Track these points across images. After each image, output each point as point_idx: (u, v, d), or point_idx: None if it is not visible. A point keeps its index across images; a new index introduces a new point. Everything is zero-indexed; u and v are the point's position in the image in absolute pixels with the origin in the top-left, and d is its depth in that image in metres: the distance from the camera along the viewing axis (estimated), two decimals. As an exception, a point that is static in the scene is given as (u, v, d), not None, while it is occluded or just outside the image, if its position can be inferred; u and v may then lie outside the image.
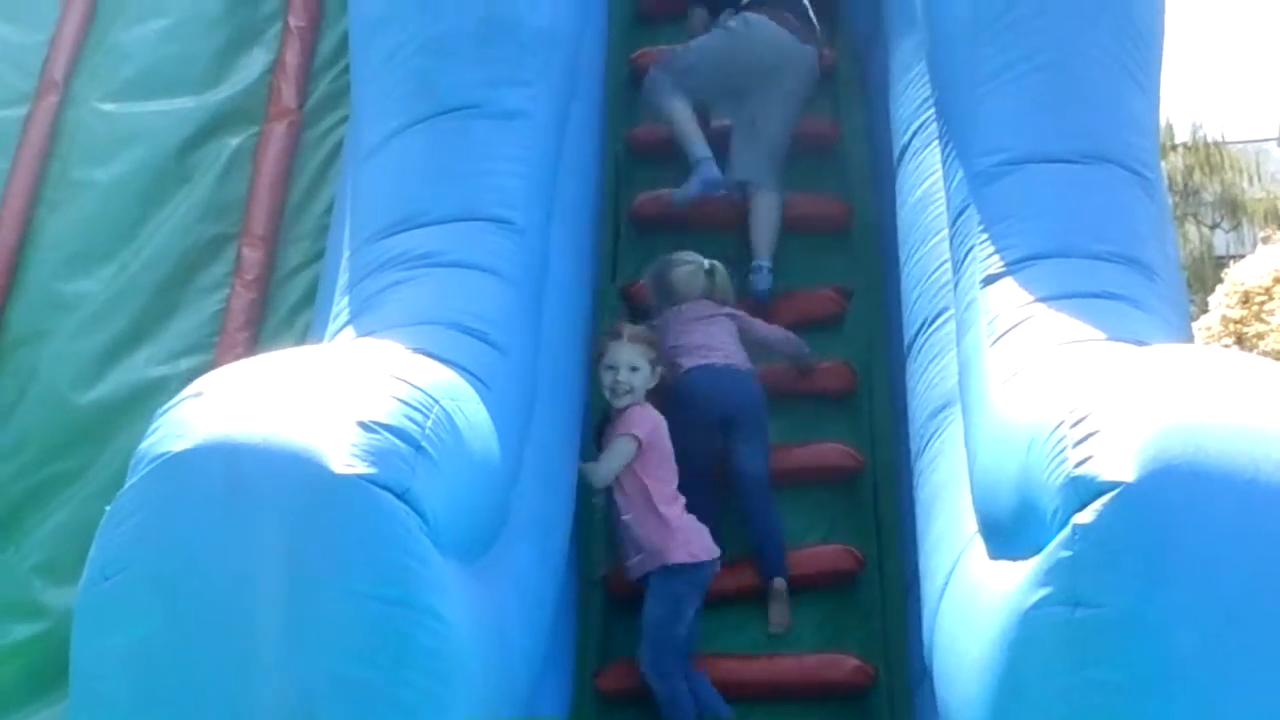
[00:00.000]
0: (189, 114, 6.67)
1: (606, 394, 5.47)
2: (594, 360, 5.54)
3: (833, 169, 6.70)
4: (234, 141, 6.57)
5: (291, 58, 6.78)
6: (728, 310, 5.91)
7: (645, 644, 5.20)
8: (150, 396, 5.55)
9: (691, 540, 5.27)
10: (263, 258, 6.21)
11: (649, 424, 5.36)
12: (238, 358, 5.27)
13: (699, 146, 6.47)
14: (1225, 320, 13.77)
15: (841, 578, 5.53)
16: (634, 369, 5.43)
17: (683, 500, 5.33)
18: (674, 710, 5.13)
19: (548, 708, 4.80)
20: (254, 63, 6.83)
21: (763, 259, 6.34)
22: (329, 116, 6.64)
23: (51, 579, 5.45)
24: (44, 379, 6.01)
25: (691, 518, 5.32)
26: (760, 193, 6.46)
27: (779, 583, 5.49)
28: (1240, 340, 13.48)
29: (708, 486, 5.58)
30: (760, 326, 5.94)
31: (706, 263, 6.01)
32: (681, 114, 6.55)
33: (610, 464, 5.33)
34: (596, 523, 5.65)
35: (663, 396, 5.55)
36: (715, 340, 5.77)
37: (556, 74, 5.33)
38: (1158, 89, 5.24)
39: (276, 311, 6.12)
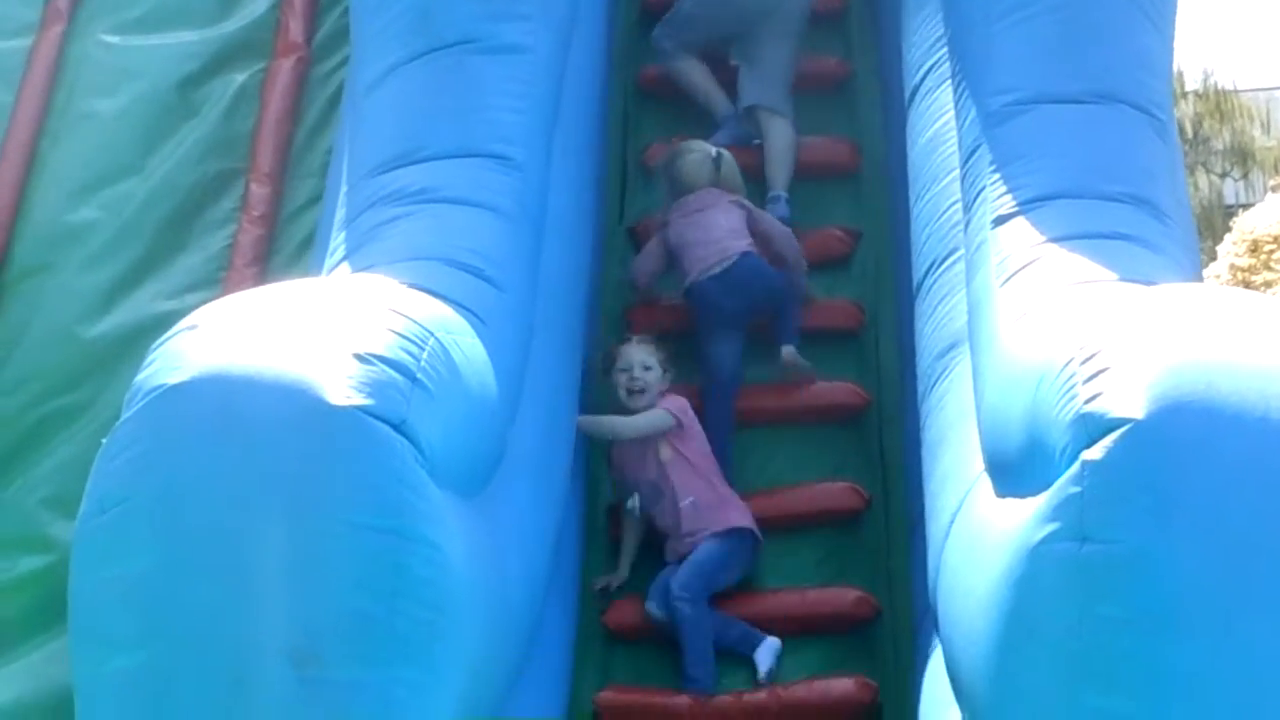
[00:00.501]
0: (195, 48, 6.63)
1: (623, 396, 5.45)
2: (604, 369, 5.55)
3: (843, 109, 6.65)
4: (240, 77, 6.54)
5: (298, -9, 6.72)
6: (734, 198, 5.91)
7: (685, 571, 5.20)
8: (157, 331, 5.50)
9: (744, 510, 5.36)
10: (270, 194, 6.19)
11: (679, 403, 5.43)
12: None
13: (720, 103, 6.52)
14: (1234, 269, 13.71)
15: (847, 514, 5.51)
16: (647, 368, 5.45)
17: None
18: (697, 635, 5.11)
19: (551, 642, 4.80)
20: None
21: (779, 189, 6.32)
22: (336, 54, 6.60)
23: (59, 512, 5.44)
24: (50, 313, 6.00)
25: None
26: (772, 120, 6.43)
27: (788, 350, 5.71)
28: (1249, 288, 13.43)
29: (728, 403, 5.71)
30: (767, 219, 5.95)
31: (714, 151, 6.02)
32: (693, 72, 6.57)
33: (643, 423, 5.35)
34: (601, 455, 5.63)
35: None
36: (719, 231, 5.78)
37: (556, 8, 5.30)
38: (1172, 29, 5.21)
39: (283, 248, 6.12)
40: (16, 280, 6.12)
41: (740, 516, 5.31)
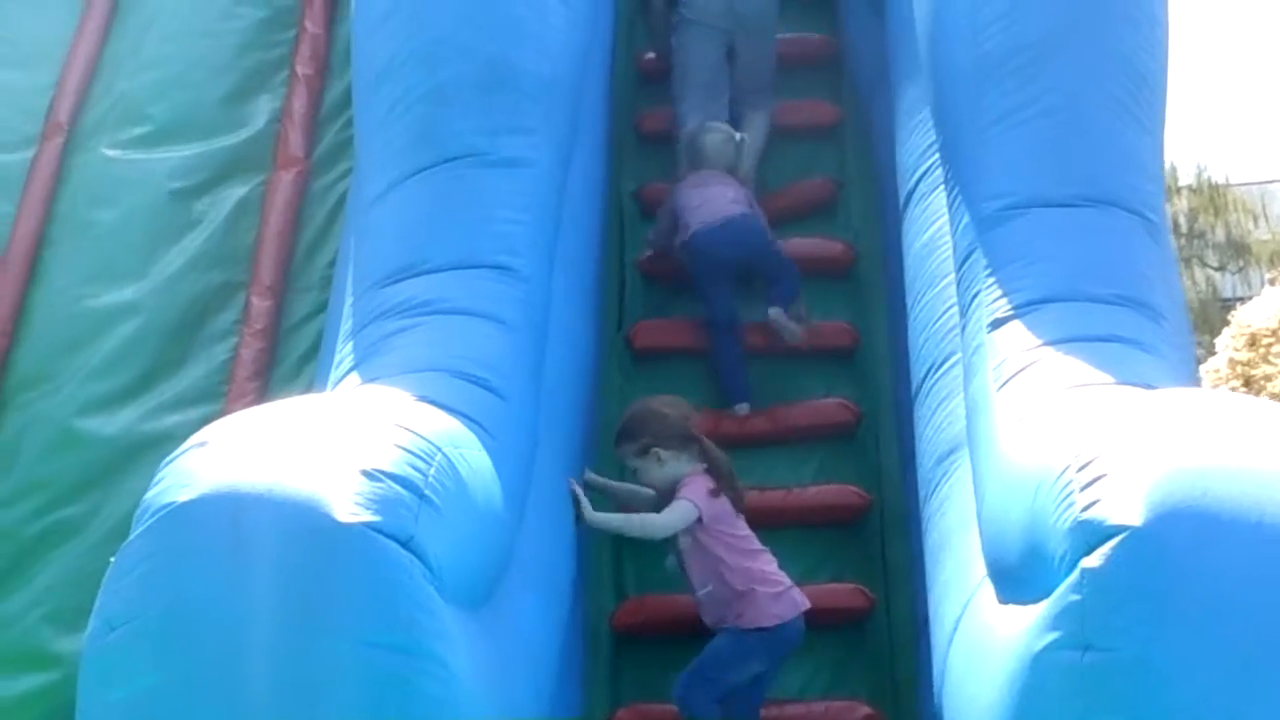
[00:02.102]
0: (195, 161, 6.69)
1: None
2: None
3: (837, 215, 6.71)
4: (241, 190, 6.60)
5: (299, 105, 6.81)
6: (743, 186, 6.32)
7: (687, 670, 5.03)
8: (160, 445, 5.54)
9: (768, 605, 5.02)
10: (271, 307, 6.22)
11: (699, 491, 5.08)
12: (248, 407, 5.28)
13: None
14: (1232, 363, 13.74)
15: (852, 616, 5.50)
16: (634, 470, 5.27)
17: (763, 555, 5.08)
18: None
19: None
20: (261, 110, 6.86)
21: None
22: (336, 167, 6.66)
23: (61, 627, 5.43)
24: (51, 424, 6.01)
25: (772, 574, 5.06)
26: (755, 115, 6.86)
27: (743, 408, 5.96)
28: (1248, 383, 13.45)
29: (732, 337, 6.08)
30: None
31: (737, 135, 6.49)
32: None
33: (672, 520, 5.06)
34: (604, 566, 5.63)
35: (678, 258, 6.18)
36: (722, 200, 6.20)
37: (558, 122, 5.36)
38: (1162, 130, 5.26)
39: (285, 361, 6.13)
40: (18, 390, 6.12)
41: (757, 615, 5.02)
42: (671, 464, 5.15)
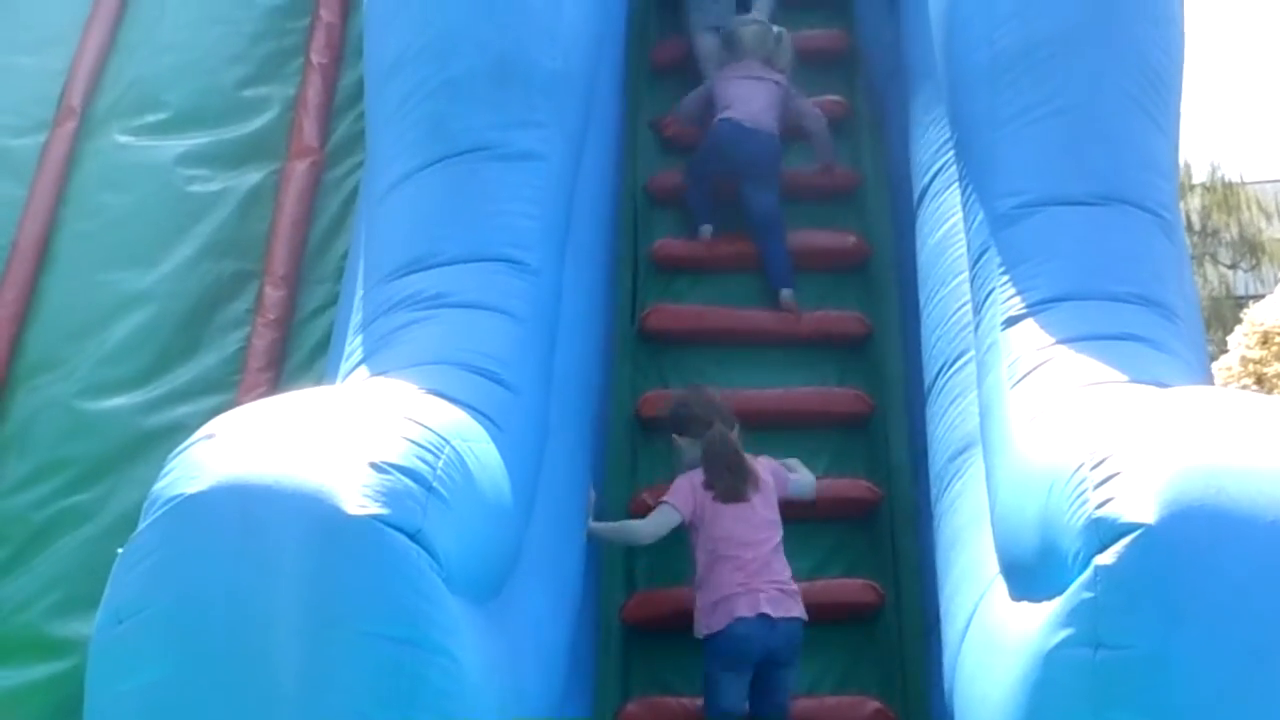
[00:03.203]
0: (209, 148, 6.67)
1: None
2: None
3: (852, 211, 6.70)
4: (254, 178, 6.57)
5: (313, 94, 6.79)
6: (777, 77, 6.43)
7: None
8: (171, 434, 5.53)
9: (703, 615, 5.12)
10: (284, 297, 6.20)
11: (684, 491, 5.22)
12: (260, 398, 5.26)
13: None
14: (1245, 361, 13.70)
15: (861, 611, 5.49)
16: None
17: (731, 561, 5.11)
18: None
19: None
20: (275, 98, 6.84)
21: None
22: (349, 158, 6.63)
23: (70, 615, 5.41)
24: (61, 411, 5.97)
25: (722, 581, 5.09)
26: None
27: (786, 293, 6.24)
28: (1260, 381, 13.42)
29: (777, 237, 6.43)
30: (801, 99, 6.46)
31: (775, 28, 6.69)
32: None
33: (653, 526, 5.22)
34: (615, 559, 5.64)
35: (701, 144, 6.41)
36: (753, 100, 6.42)
37: (570, 116, 5.35)
38: (1176, 130, 5.24)
39: (297, 352, 6.11)
40: (29, 375, 6.09)
41: (698, 625, 5.10)
42: (687, 450, 5.40)
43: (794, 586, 5.17)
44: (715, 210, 6.55)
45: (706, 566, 5.16)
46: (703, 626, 5.12)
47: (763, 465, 5.34)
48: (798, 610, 5.13)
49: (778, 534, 5.20)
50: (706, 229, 6.53)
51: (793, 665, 5.18)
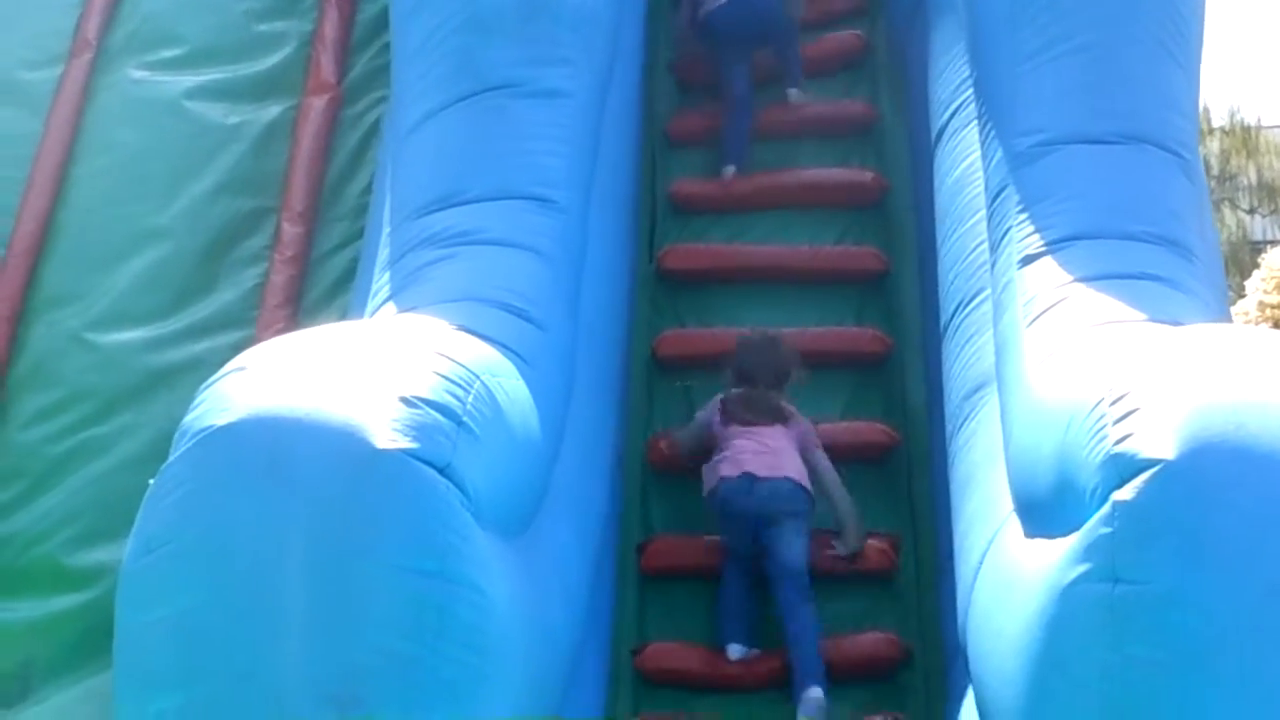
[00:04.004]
0: (224, 84, 6.66)
1: None
2: None
3: (870, 148, 6.69)
4: (271, 114, 6.57)
5: (330, 30, 6.77)
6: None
7: None
8: (189, 369, 5.59)
9: (705, 484, 5.44)
10: (302, 234, 6.22)
11: (711, 410, 5.57)
12: (277, 334, 5.28)
13: None
14: (1262, 305, 13.64)
15: (886, 664, 5.38)
16: None
17: (726, 455, 5.42)
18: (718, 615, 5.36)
19: (585, 685, 4.81)
20: (291, 34, 6.82)
21: None
22: (367, 95, 6.64)
23: (89, 547, 5.47)
24: (82, 343, 6.02)
25: (716, 460, 5.44)
26: None
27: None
28: (1277, 325, 13.36)
29: (745, 113, 6.54)
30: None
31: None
32: None
33: (683, 435, 5.65)
34: (631, 503, 5.66)
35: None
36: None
37: (596, 54, 5.35)
38: (1197, 69, 5.23)
39: (314, 289, 6.14)
40: (46, 308, 6.13)
41: (730, 468, 5.36)
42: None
43: (791, 471, 5.38)
44: (741, 150, 6.53)
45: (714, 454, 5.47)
46: (705, 492, 5.44)
47: (795, 417, 5.53)
48: (788, 471, 5.35)
49: (784, 458, 5.38)
50: (730, 169, 6.50)
51: (786, 523, 5.30)
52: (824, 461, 5.47)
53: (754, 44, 6.68)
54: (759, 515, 5.30)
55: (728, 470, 5.35)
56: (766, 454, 5.37)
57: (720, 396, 5.54)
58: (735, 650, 5.29)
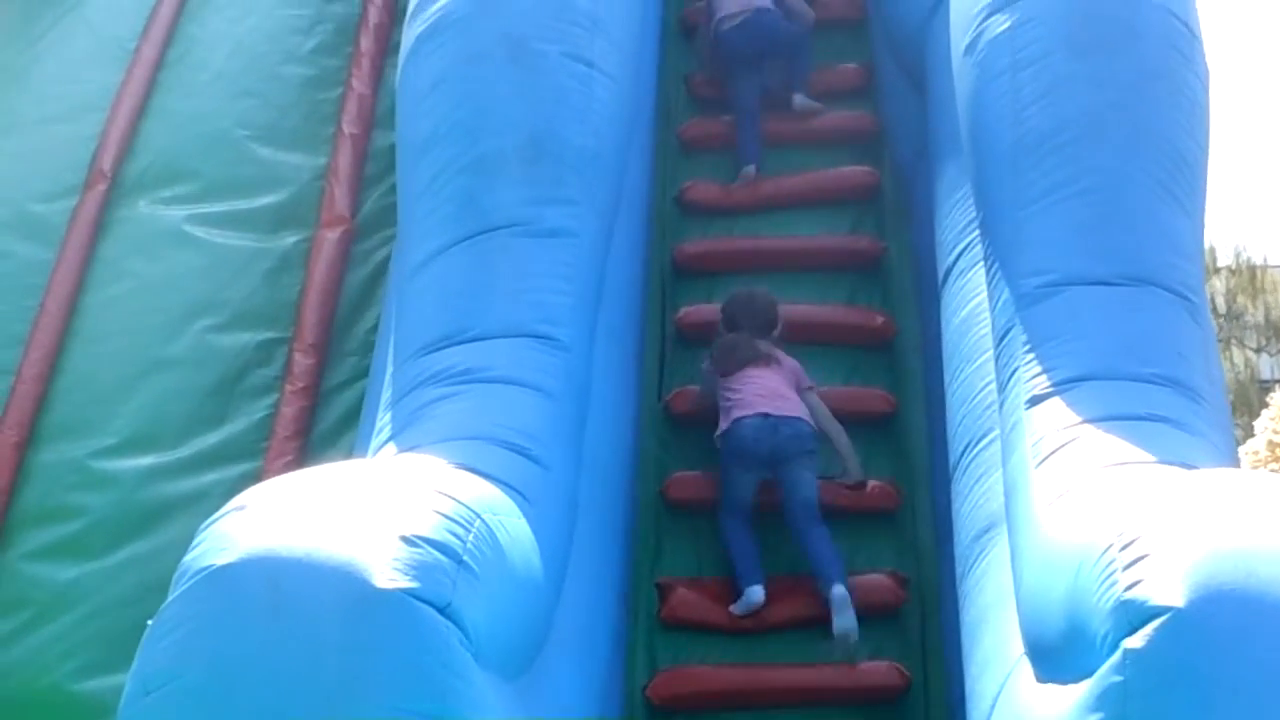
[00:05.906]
0: (239, 216, 6.71)
1: None
2: None
3: (877, 289, 6.72)
4: (285, 245, 6.61)
5: (345, 164, 6.84)
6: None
7: None
8: (198, 500, 5.58)
9: (720, 424, 5.80)
10: (313, 365, 6.22)
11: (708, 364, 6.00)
12: (287, 466, 5.27)
13: None
14: (1271, 445, 13.65)
15: (889, 695, 5.46)
16: None
17: (735, 404, 5.79)
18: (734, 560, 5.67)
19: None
20: (305, 167, 6.88)
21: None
22: (379, 232, 6.67)
23: (93, 677, 5.41)
24: (88, 473, 6.00)
25: (734, 399, 5.81)
26: None
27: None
28: (1288, 465, 13.35)
29: (754, 121, 6.98)
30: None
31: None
32: None
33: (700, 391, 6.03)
34: (638, 649, 5.62)
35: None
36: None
37: (601, 193, 5.40)
38: (1201, 212, 5.26)
39: (322, 423, 6.12)
40: (54, 435, 6.11)
41: (745, 408, 5.74)
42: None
43: (799, 411, 5.77)
44: (757, 152, 6.93)
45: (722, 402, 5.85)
46: (718, 433, 5.78)
47: (781, 358, 5.97)
48: (798, 412, 5.77)
49: (788, 398, 5.80)
50: (750, 169, 6.90)
51: (801, 461, 5.74)
52: (817, 400, 5.94)
53: (763, 59, 7.16)
54: (776, 454, 5.70)
55: (741, 411, 5.73)
56: (772, 396, 5.78)
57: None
58: (757, 592, 5.57)
